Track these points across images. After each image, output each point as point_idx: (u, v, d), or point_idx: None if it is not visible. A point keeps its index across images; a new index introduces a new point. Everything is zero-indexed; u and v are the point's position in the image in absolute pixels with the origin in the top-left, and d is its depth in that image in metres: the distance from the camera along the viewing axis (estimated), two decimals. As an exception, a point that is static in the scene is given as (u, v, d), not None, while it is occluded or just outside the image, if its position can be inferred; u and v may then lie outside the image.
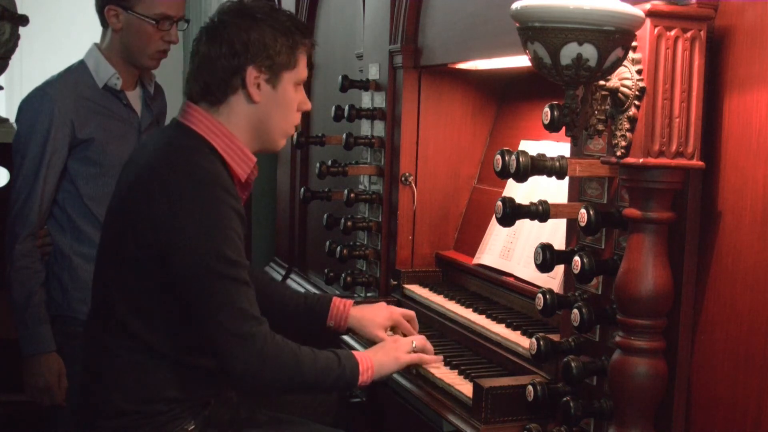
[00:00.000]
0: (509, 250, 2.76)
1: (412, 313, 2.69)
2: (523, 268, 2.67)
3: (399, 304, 2.96)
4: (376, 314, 2.62)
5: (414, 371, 2.47)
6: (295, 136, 3.46)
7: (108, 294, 2.26)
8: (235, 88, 2.26)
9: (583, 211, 1.93)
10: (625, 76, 1.80)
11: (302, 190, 3.36)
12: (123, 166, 2.35)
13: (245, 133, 2.29)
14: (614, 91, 1.82)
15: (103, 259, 2.30)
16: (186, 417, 2.24)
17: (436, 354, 2.50)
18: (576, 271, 1.94)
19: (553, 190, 2.50)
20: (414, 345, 2.43)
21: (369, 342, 2.63)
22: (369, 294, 3.24)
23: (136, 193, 2.20)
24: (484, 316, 2.65)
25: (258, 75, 2.25)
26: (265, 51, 2.24)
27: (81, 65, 3.04)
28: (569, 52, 1.68)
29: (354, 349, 2.73)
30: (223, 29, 2.25)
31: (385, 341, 2.46)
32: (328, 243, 3.29)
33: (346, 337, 2.86)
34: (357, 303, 2.71)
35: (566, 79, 1.74)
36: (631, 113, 1.80)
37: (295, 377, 2.20)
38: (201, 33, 2.30)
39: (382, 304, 2.69)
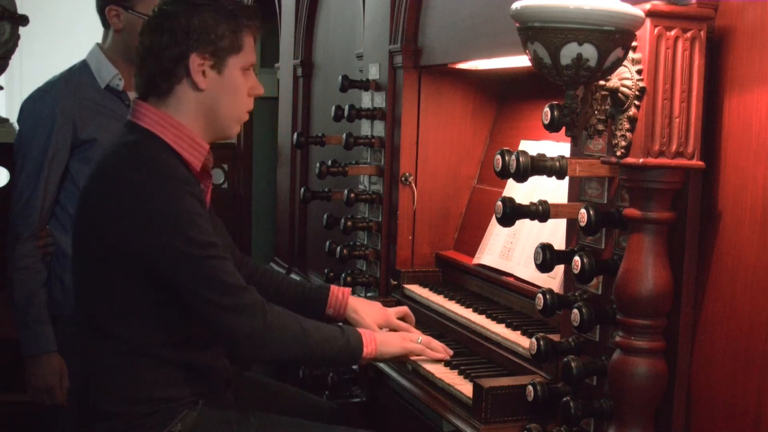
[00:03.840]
0: (509, 250, 2.76)
1: (405, 308, 2.70)
2: (523, 268, 2.67)
3: (399, 304, 2.96)
4: (372, 308, 2.66)
5: (410, 367, 2.48)
6: (295, 136, 3.46)
7: (86, 299, 2.26)
8: (179, 78, 2.24)
9: (583, 211, 1.93)
10: (625, 76, 1.81)
11: (302, 190, 3.36)
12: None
13: (195, 122, 2.27)
14: (614, 91, 1.82)
15: (77, 265, 2.30)
16: (173, 417, 2.23)
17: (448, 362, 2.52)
18: (576, 271, 1.94)
19: (553, 190, 2.50)
20: (419, 340, 2.46)
21: None
22: (369, 294, 3.24)
23: (92, 197, 2.20)
24: (484, 316, 2.65)
25: (202, 62, 2.23)
26: (207, 36, 2.22)
27: (83, 65, 3.04)
28: (569, 52, 1.68)
29: None
30: (164, 19, 2.23)
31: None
32: (328, 243, 3.29)
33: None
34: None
35: (566, 79, 1.74)
36: (631, 113, 1.80)
37: (299, 344, 2.22)
38: (143, 26, 2.28)
39: (378, 304, 2.71)
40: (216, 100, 2.27)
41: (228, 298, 2.15)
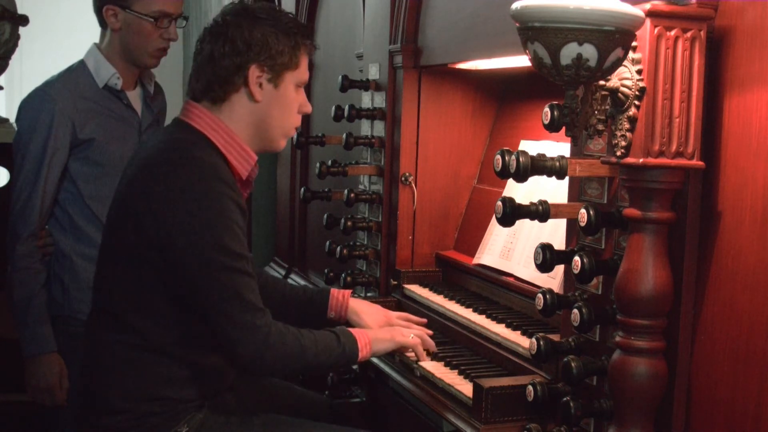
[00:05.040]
0: (509, 250, 2.76)
1: (405, 315, 2.72)
2: (523, 268, 2.67)
3: (399, 304, 2.97)
4: (373, 310, 2.68)
5: (418, 374, 2.49)
6: (295, 136, 3.46)
7: (109, 290, 2.27)
8: (237, 87, 2.28)
9: (583, 211, 1.93)
10: (625, 76, 1.81)
11: (302, 190, 3.36)
12: (126, 165, 2.37)
13: (245, 132, 2.31)
14: (614, 91, 1.82)
15: (106, 256, 2.31)
16: (179, 419, 2.24)
17: (434, 355, 2.53)
18: (576, 271, 1.94)
19: (553, 190, 2.50)
20: (411, 336, 2.48)
21: None
22: (369, 294, 3.24)
23: (136, 190, 2.22)
24: (484, 316, 2.65)
25: (260, 74, 2.28)
26: (268, 50, 2.27)
27: (81, 65, 3.04)
28: (569, 52, 1.68)
29: None
30: (226, 28, 2.28)
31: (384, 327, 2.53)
32: (328, 243, 3.29)
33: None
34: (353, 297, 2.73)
35: (566, 79, 1.74)
36: (631, 113, 1.80)
37: (299, 361, 2.25)
38: (204, 32, 2.33)
39: (379, 306, 2.73)
40: (268, 113, 2.31)
41: (243, 316, 2.16)
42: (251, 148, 2.33)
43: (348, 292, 2.70)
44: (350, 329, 2.39)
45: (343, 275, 3.23)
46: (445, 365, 2.49)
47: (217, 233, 2.14)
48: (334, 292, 2.68)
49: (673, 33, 1.77)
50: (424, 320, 2.71)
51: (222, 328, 2.17)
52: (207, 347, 2.27)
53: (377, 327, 2.61)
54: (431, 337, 2.57)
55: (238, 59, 2.26)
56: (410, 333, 2.49)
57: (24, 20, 4.09)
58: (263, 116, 2.31)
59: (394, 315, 2.68)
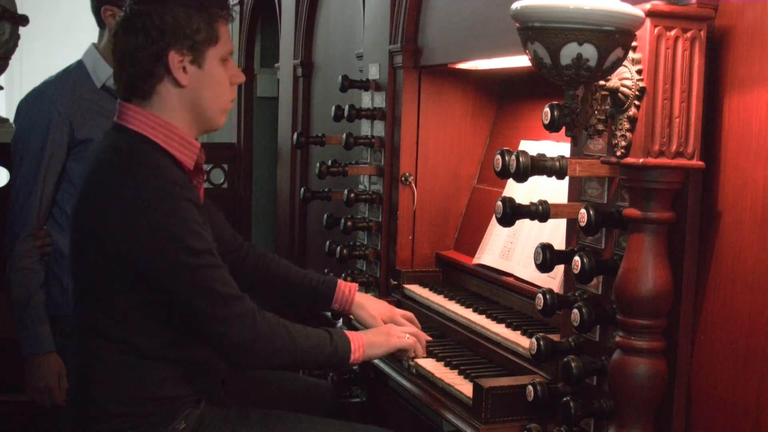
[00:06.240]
0: (509, 250, 2.76)
1: (410, 314, 2.71)
2: (523, 268, 2.67)
3: (399, 304, 2.96)
4: (378, 305, 2.67)
5: (406, 364, 2.51)
6: (295, 136, 3.46)
7: (85, 302, 2.25)
8: (160, 77, 2.22)
9: (583, 211, 1.93)
10: (625, 76, 1.81)
11: (302, 190, 3.36)
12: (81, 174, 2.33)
13: (182, 119, 2.25)
14: (614, 91, 1.82)
15: (75, 268, 2.29)
16: (177, 416, 2.24)
17: (436, 356, 2.53)
18: (576, 271, 1.94)
19: (553, 190, 2.50)
20: (407, 337, 2.47)
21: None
22: (369, 294, 3.24)
23: (89, 203, 2.19)
24: (484, 316, 2.65)
25: (181, 58, 2.21)
26: (183, 32, 2.19)
27: (79, 65, 3.04)
28: (569, 52, 1.68)
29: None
30: (136, 19, 2.20)
31: (379, 327, 2.52)
32: (328, 243, 3.29)
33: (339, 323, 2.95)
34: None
35: (566, 79, 1.74)
36: (631, 113, 1.80)
37: (288, 353, 2.23)
38: (116, 27, 2.26)
39: (384, 302, 2.73)
40: (199, 94, 2.25)
41: (220, 309, 2.14)
42: (193, 133, 2.27)
43: (354, 286, 2.69)
44: (346, 332, 2.38)
45: (343, 275, 3.22)
46: (445, 365, 2.48)
47: (178, 236, 2.11)
48: (342, 284, 2.67)
49: (673, 33, 1.77)
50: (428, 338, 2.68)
51: (206, 326, 2.16)
52: (195, 343, 2.26)
53: (380, 319, 2.61)
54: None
55: (154, 49, 2.18)
56: (405, 334, 2.48)
57: (24, 20, 4.09)
58: (195, 99, 2.25)
59: (399, 312, 2.68)
